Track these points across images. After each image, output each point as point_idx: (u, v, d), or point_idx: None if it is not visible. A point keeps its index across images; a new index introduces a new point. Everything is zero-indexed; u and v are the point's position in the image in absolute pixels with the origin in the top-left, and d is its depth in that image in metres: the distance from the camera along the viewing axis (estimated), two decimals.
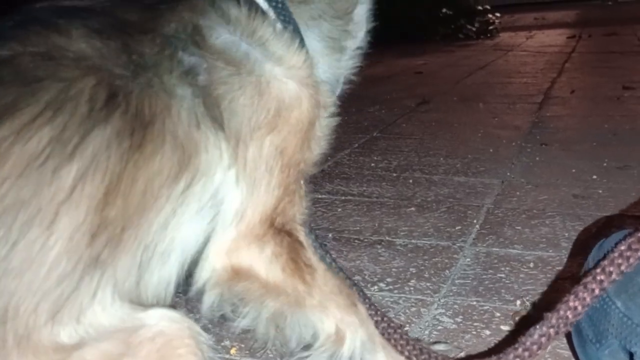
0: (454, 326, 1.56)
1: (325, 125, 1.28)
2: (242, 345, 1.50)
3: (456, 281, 1.80)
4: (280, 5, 1.22)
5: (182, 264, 1.14)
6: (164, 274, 1.10)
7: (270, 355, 1.45)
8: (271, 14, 1.21)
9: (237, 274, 1.16)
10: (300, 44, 1.21)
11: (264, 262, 1.16)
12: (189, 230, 1.11)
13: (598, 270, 1.10)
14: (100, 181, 0.98)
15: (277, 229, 1.17)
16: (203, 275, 1.16)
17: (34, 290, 0.94)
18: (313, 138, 1.23)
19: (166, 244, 1.08)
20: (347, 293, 1.26)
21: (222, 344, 1.51)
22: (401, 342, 1.35)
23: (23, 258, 0.93)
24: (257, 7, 1.19)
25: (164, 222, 1.06)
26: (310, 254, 1.22)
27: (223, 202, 1.14)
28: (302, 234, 1.23)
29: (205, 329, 1.56)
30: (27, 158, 0.94)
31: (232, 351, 1.48)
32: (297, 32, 1.23)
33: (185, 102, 1.08)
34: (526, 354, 1.12)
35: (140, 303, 1.07)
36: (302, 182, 1.25)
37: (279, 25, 1.21)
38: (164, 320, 1.02)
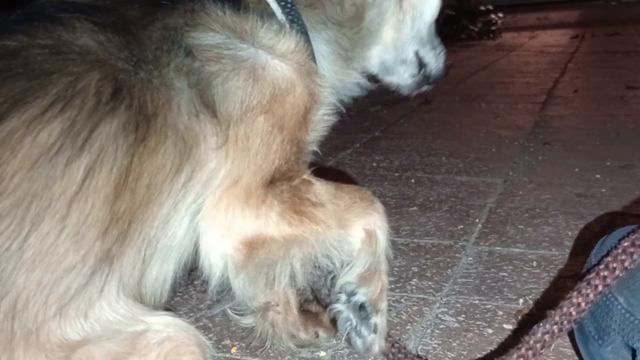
0: (457, 325, 1.55)
1: (320, 115, 1.28)
2: (243, 344, 1.49)
3: (458, 280, 1.79)
4: (289, 7, 1.25)
5: (180, 261, 1.13)
6: (162, 271, 1.10)
7: (271, 354, 1.44)
8: (279, 14, 1.24)
9: (251, 246, 1.14)
10: (297, 34, 1.23)
11: (270, 225, 1.15)
12: (187, 224, 1.11)
13: (601, 267, 1.09)
14: (109, 175, 0.99)
15: (277, 182, 1.16)
16: (216, 263, 1.14)
17: (44, 285, 0.95)
18: (310, 122, 1.24)
19: (167, 239, 1.08)
20: (361, 196, 1.27)
21: (223, 343, 1.51)
22: (399, 355, 1.33)
23: (35, 251, 0.94)
24: (248, 5, 1.21)
25: (166, 217, 1.07)
26: (318, 187, 1.22)
27: (211, 180, 1.12)
28: (305, 174, 1.23)
29: (205, 328, 1.56)
30: (38, 151, 0.95)
31: (233, 350, 1.48)
32: (303, 33, 1.25)
33: (184, 94, 1.08)
34: (530, 353, 1.10)
35: (140, 299, 1.08)
36: (303, 156, 1.25)
37: (280, 19, 1.23)
38: (171, 327, 1.04)
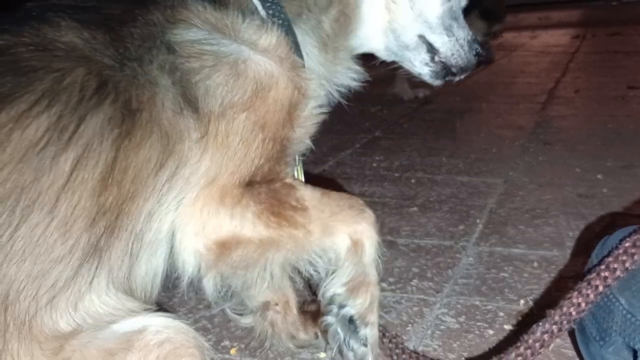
0: (457, 326, 1.54)
1: (309, 110, 1.26)
2: (242, 346, 1.49)
3: (459, 281, 1.78)
4: (270, 1, 1.23)
5: (168, 255, 1.13)
6: (151, 266, 1.11)
7: (271, 355, 1.44)
8: (260, 8, 1.22)
9: (225, 247, 1.13)
10: (278, 29, 1.21)
11: (246, 226, 1.13)
12: (171, 220, 1.11)
13: (602, 267, 1.08)
14: (95, 168, 1.00)
15: (255, 184, 1.15)
16: (188, 261, 1.13)
17: (34, 276, 0.96)
18: (295, 118, 1.22)
19: (152, 234, 1.09)
20: (350, 204, 1.23)
21: (222, 344, 1.50)
22: (397, 350, 1.33)
23: (25, 243, 0.95)
24: (229, 1, 1.20)
25: (150, 212, 1.07)
26: (301, 192, 1.19)
27: (192, 176, 1.12)
28: (288, 178, 1.21)
29: (205, 329, 1.56)
30: (27, 145, 0.97)
31: (232, 351, 1.47)
32: (286, 26, 1.23)
33: (168, 91, 1.09)
34: (528, 352, 1.10)
35: (131, 294, 1.09)
36: (287, 155, 1.23)
37: (260, 13, 1.22)
38: (171, 329, 1.04)
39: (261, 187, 1.14)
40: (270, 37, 1.19)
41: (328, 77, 1.33)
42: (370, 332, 1.26)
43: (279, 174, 1.19)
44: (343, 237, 1.20)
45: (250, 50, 1.16)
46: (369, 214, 1.25)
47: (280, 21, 1.23)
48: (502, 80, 5.27)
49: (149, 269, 1.11)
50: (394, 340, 1.34)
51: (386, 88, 4.51)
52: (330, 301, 1.26)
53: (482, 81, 5.30)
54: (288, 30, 1.24)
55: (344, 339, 1.26)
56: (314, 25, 1.28)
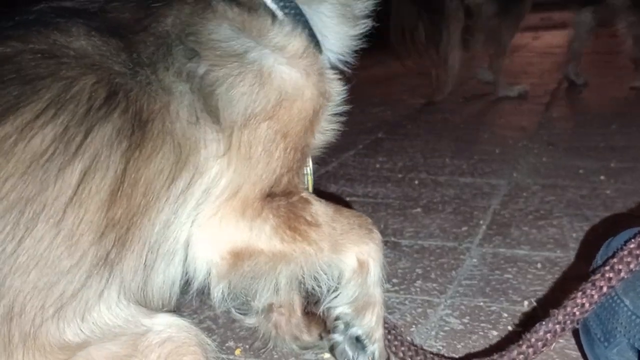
0: (461, 327, 1.54)
1: (331, 114, 1.25)
2: (247, 346, 1.49)
3: (463, 282, 1.78)
4: None
5: (185, 263, 1.13)
6: (168, 275, 1.10)
7: (275, 356, 1.44)
8: (269, 2, 1.18)
9: (238, 257, 1.12)
10: (303, 31, 1.19)
11: (262, 238, 1.13)
12: (189, 229, 1.10)
13: (607, 268, 1.08)
14: (103, 181, 0.98)
15: (274, 196, 1.14)
16: (200, 268, 1.13)
17: (40, 288, 0.95)
18: (317, 125, 1.21)
19: (169, 244, 1.07)
20: (360, 223, 1.24)
21: (227, 344, 1.50)
22: (395, 342, 1.34)
23: (30, 255, 0.94)
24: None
25: (166, 223, 1.06)
26: (316, 207, 1.19)
27: (212, 188, 1.11)
28: (304, 192, 1.21)
29: (209, 330, 1.56)
30: (31, 156, 0.95)
31: (237, 352, 1.47)
32: (298, 16, 1.20)
33: (185, 98, 1.07)
34: (530, 350, 1.11)
35: (147, 304, 1.07)
36: (306, 161, 1.23)
37: (279, 14, 1.18)
38: (172, 328, 1.03)
39: (280, 200, 1.14)
40: (298, 44, 1.16)
41: (345, 48, 1.30)
42: (377, 346, 1.29)
43: (297, 186, 1.19)
44: (351, 255, 1.20)
45: (276, 58, 1.13)
46: (376, 234, 1.25)
47: (292, 11, 1.19)
48: (505, 81, 5.26)
49: (167, 278, 1.10)
50: (393, 331, 1.35)
51: (389, 88, 4.51)
52: (337, 319, 1.28)
53: (484, 81, 5.30)
54: (300, 17, 1.20)
55: (353, 357, 1.29)
56: (333, 2, 1.25)
